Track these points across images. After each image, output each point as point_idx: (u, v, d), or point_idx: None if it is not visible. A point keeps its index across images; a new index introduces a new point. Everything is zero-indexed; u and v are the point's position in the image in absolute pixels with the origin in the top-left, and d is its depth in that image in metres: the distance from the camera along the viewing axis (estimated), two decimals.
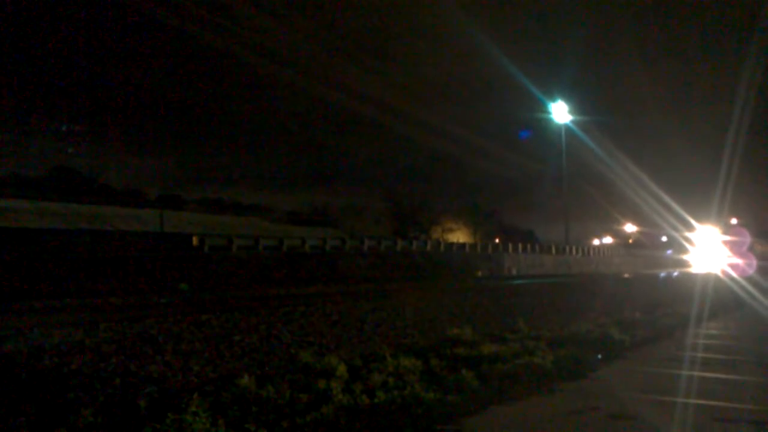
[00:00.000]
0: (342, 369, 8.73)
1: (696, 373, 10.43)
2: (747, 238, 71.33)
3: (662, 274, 47.64)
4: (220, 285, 28.06)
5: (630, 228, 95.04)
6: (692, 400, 8.48)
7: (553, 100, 56.69)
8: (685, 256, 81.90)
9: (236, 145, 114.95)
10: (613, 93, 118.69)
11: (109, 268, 27.92)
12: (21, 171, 60.23)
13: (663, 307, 19.67)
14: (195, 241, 42.28)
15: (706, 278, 32.47)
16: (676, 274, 48.61)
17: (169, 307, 15.87)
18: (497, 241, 71.23)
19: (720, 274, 38.36)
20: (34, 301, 17.68)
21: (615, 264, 72.88)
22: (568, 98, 56.88)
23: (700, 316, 18.21)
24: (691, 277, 37.84)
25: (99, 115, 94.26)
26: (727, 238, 72.03)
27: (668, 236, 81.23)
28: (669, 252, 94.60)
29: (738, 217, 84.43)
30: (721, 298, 22.95)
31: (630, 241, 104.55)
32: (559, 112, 55.96)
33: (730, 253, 66.99)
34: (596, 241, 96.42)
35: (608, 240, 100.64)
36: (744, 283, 27.36)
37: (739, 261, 56.13)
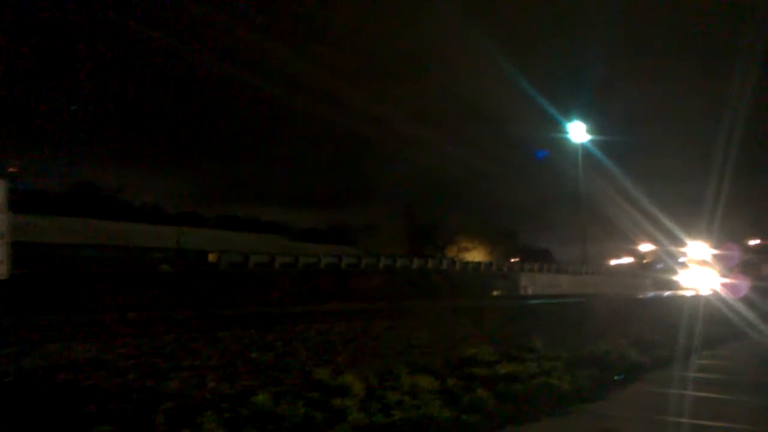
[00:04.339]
0: (358, 387, 8.69)
1: (716, 396, 10.29)
2: (737, 253, 68.51)
3: (650, 295, 46.62)
4: (236, 302, 28.14)
5: (646, 247, 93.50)
6: (712, 423, 8.35)
7: (570, 119, 56.34)
8: (674, 277, 77.77)
9: (255, 164, 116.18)
10: (608, 109, 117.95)
11: (127, 283, 28.11)
12: (42, 187, 60.82)
13: (678, 328, 19.43)
14: (212, 257, 42.55)
15: (707, 299, 31.76)
16: (666, 294, 47.62)
17: (185, 324, 15.94)
18: (513, 260, 70.95)
19: (716, 293, 37.14)
20: (53, 315, 17.84)
21: (630, 284, 72.21)
22: (573, 116, 56.14)
23: (715, 339, 17.94)
24: (688, 298, 37.11)
25: (121, 134, 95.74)
26: (717, 252, 68.32)
27: (678, 254, 77.15)
28: (660, 266, 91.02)
29: (759, 237, 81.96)
30: (731, 321, 22.64)
31: (645, 261, 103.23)
32: (577, 132, 55.58)
33: (722, 269, 63.60)
34: (614, 261, 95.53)
35: (627, 260, 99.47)
36: (740, 306, 26.42)
37: (732, 280, 53.62)
